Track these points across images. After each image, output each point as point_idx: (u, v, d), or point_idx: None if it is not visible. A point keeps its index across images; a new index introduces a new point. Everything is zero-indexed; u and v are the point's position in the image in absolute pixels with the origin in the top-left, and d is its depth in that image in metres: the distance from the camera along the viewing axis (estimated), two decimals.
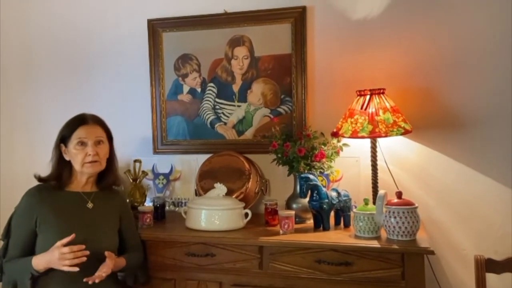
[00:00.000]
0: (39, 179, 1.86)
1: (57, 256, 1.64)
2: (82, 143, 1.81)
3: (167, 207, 2.47)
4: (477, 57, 2.21)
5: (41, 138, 2.82)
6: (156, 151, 2.64)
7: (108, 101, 2.71)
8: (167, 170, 2.60)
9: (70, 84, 2.79)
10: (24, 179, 2.78)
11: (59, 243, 1.66)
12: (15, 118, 2.90)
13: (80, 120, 1.85)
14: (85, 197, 1.86)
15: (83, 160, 1.80)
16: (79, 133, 1.82)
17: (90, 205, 1.85)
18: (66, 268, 1.64)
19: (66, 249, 1.64)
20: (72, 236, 1.67)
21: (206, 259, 1.99)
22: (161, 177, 2.59)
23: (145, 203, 2.42)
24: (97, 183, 1.92)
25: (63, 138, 1.85)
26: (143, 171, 2.46)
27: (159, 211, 2.33)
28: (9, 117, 2.91)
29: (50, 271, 1.70)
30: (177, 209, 2.54)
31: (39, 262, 1.69)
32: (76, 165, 1.83)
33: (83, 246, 1.67)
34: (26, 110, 2.88)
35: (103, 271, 1.70)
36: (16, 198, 2.89)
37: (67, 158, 1.85)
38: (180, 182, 2.60)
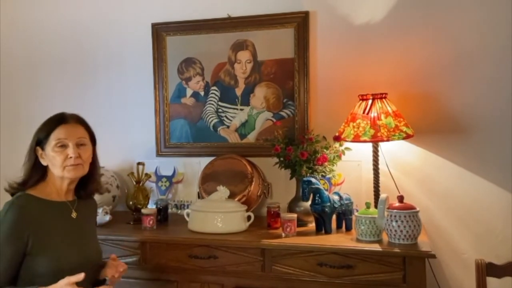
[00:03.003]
0: (13, 187, 1.62)
1: None
2: (62, 145, 1.60)
3: (169, 210, 2.48)
4: (478, 62, 2.23)
5: None
6: (159, 154, 2.66)
7: (112, 104, 2.73)
8: (170, 173, 2.62)
9: (74, 87, 2.81)
10: None
11: (66, 280, 1.45)
12: (18, 120, 2.91)
13: (59, 119, 1.65)
14: (70, 206, 1.67)
15: (63, 163, 1.59)
16: (58, 133, 1.60)
17: (74, 214, 1.67)
18: None
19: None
20: (82, 275, 1.46)
21: (209, 262, 2.01)
22: (164, 179, 2.60)
23: (148, 206, 2.44)
24: (76, 191, 1.71)
25: (40, 140, 1.62)
26: (146, 174, 2.47)
27: (162, 214, 2.34)
28: (12, 119, 2.93)
29: None
30: (179, 211, 2.56)
31: None
32: (56, 170, 1.60)
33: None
34: (29, 112, 2.89)
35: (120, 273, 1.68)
36: None
37: (44, 163, 1.62)
38: (183, 184, 2.62)
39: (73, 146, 1.61)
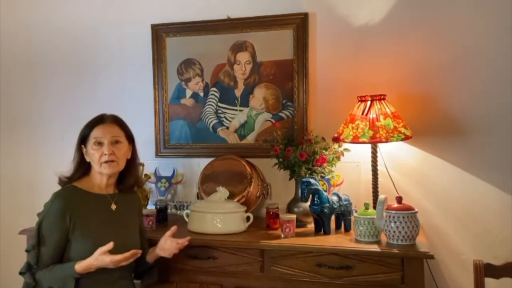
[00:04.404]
0: (62, 180, 1.83)
1: (110, 264, 1.66)
2: (99, 143, 1.78)
3: (169, 210, 2.49)
4: (476, 64, 2.24)
5: (43, 141, 2.85)
6: (158, 155, 2.67)
7: (112, 104, 2.72)
8: (169, 174, 2.62)
9: (74, 88, 2.82)
10: (27, 182, 2.85)
11: (99, 250, 1.66)
12: (17, 120, 2.92)
13: (97, 120, 1.84)
14: (110, 199, 1.84)
15: (99, 160, 1.77)
16: (96, 133, 1.80)
17: (113, 206, 1.84)
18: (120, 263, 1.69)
19: (119, 257, 1.66)
20: (111, 245, 1.67)
21: (208, 262, 2.01)
22: (163, 180, 2.60)
23: (147, 206, 2.44)
24: (117, 185, 1.89)
25: (83, 138, 1.82)
26: (145, 174, 2.47)
27: (161, 214, 2.35)
28: (12, 118, 2.93)
29: (91, 274, 1.70)
30: (179, 212, 2.56)
31: (83, 268, 1.67)
32: (95, 166, 1.80)
33: (139, 251, 1.73)
34: (28, 112, 2.90)
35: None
36: (18, 200, 2.92)
37: (87, 159, 1.82)
38: (182, 185, 2.62)
39: (107, 144, 1.79)
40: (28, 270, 1.73)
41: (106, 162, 1.77)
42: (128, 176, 1.90)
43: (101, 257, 1.67)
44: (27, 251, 1.76)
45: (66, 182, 1.83)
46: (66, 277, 1.69)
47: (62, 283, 1.69)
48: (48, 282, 1.70)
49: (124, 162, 1.85)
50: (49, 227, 1.72)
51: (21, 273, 1.75)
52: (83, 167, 1.84)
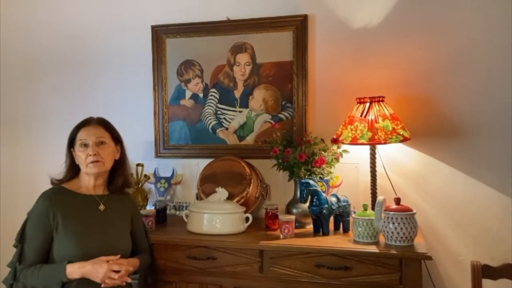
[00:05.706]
0: (52, 182, 1.86)
1: (104, 271, 1.68)
2: (85, 145, 1.81)
3: (168, 211, 2.50)
4: (474, 66, 2.25)
5: (43, 141, 2.85)
6: (158, 155, 2.68)
7: (112, 105, 2.74)
8: (168, 174, 2.63)
9: (74, 89, 2.83)
10: (26, 182, 2.86)
11: (104, 258, 1.70)
12: (17, 120, 2.93)
13: (83, 123, 1.87)
14: (98, 200, 1.84)
15: (85, 161, 1.80)
16: (81, 135, 1.82)
17: (102, 207, 1.84)
18: (103, 284, 1.69)
19: (116, 267, 1.70)
20: (118, 257, 1.73)
21: (207, 263, 2.02)
22: (162, 181, 2.61)
23: (147, 207, 2.45)
24: (107, 186, 1.90)
25: (71, 141, 1.85)
26: (145, 175, 2.49)
27: (161, 215, 2.36)
28: (12, 119, 2.94)
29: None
30: (178, 212, 2.57)
31: (75, 271, 1.68)
32: (82, 167, 1.82)
33: (128, 279, 1.74)
34: (28, 114, 2.91)
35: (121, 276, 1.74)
36: (17, 200, 2.93)
37: (76, 162, 1.84)
38: (181, 186, 2.63)
39: (92, 145, 1.81)
40: (13, 266, 1.75)
41: (91, 162, 1.79)
42: (117, 177, 1.90)
43: (95, 261, 1.69)
44: (14, 246, 1.78)
45: (57, 185, 1.85)
46: (51, 279, 1.68)
47: (45, 284, 1.68)
48: (27, 281, 1.70)
49: (111, 162, 1.86)
50: (32, 227, 1.74)
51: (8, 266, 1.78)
52: (73, 169, 1.86)
